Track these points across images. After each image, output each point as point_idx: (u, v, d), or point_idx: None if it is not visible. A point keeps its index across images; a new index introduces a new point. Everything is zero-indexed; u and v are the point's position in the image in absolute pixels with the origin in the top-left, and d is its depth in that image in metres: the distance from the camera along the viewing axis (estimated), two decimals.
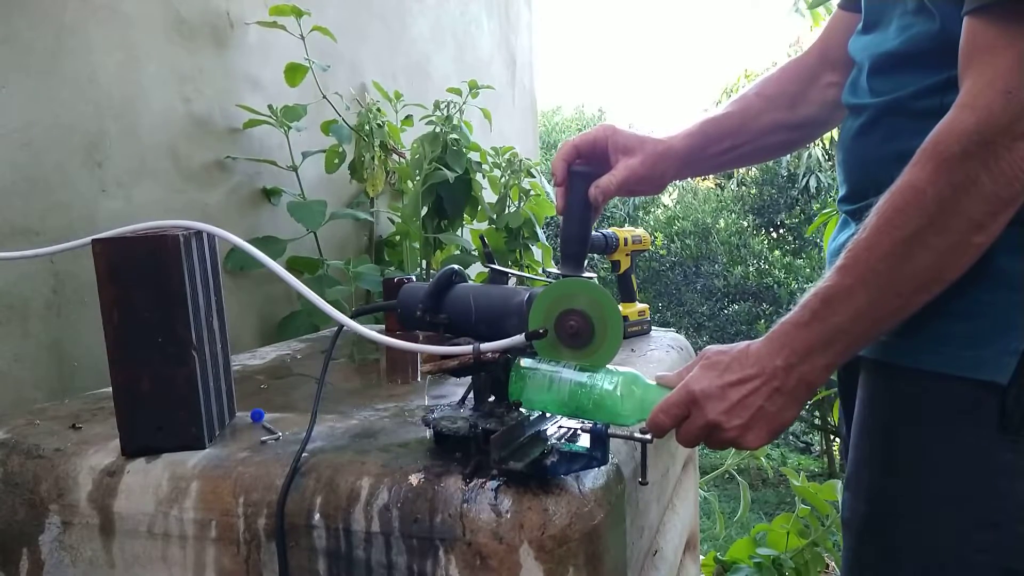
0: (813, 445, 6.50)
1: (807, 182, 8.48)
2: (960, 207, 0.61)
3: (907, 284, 0.63)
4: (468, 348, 0.73)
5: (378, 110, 2.15)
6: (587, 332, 0.72)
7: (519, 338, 0.73)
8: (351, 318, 0.81)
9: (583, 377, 0.72)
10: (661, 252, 8.34)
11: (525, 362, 0.74)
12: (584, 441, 0.72)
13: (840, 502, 0.81)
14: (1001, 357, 0.65)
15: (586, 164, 0.83)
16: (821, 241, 5.87)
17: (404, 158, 2.19)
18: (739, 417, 0.67)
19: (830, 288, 0.65)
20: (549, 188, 2.34)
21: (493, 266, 0.83)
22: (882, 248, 0.63)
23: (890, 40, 0.72)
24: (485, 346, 0.73)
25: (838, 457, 5.75)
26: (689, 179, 10.55)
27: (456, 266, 0.82)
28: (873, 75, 0.75)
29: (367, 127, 2.07)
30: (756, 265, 7.87)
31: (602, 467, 0.72)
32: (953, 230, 0.61)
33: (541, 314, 0.73)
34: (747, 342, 0.70)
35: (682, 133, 0.88)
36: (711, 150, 0.89)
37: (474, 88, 2.18)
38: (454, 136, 2.07)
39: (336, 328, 0.82)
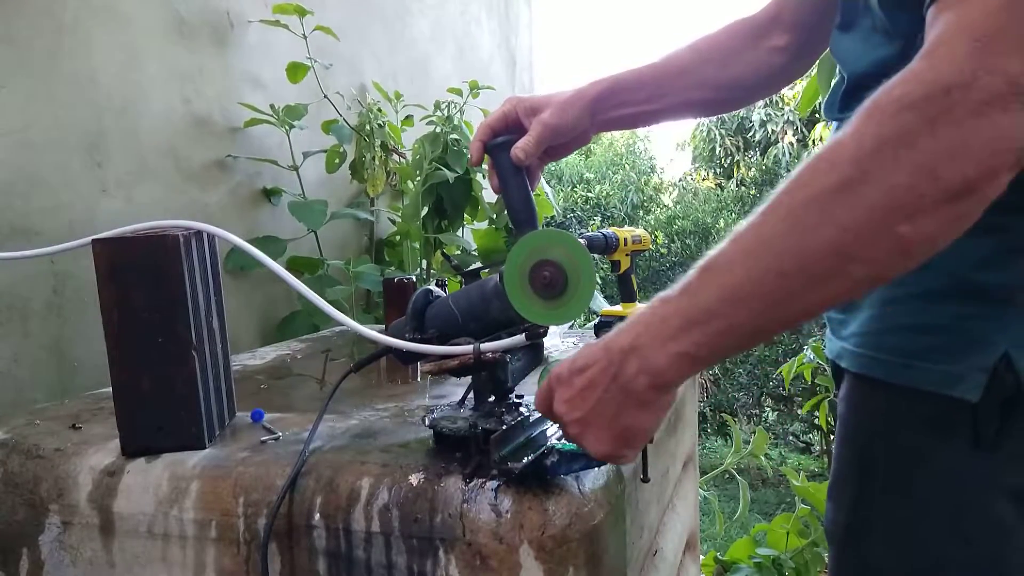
0: (813, 445, 6.50)
1: None
2: (882, 170, 0.45)
3: (794, 264, 0.48)
4: (468, 348, 0.73)
5: (379, 110, 2.15)
6: (560, 282, 0.71)
7: (519, 338, 0.73)
8: (351, 372, 0.84)
9: None
10: (661, 252, 8.35)
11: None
12: None
13: (825, 511, 0.79)
14: (972, 374, 0.60)
15: (504, 137, 0.83)
16: None
17: (404, 158, 2.19)
18: (578, 410, 0.58)
19: (713, 257, 0.52)
20: (548, 188, 2.34)
21: (464, 270, 0.83)
22: (777, 212, 0.49)
23: (861, 59, 0.70)
24: (486, 346, 0.73)
25: None
26: (690, 182, 10.54)
27: (428, 287, 0.83)
28: (847, 95, 0.73)
29: (368, 127, 2.07)
30: None
31: (602, 467, 0.72)
32: (867, 201, 0.46)
33: (517, 265, 0.72)
34: None
35: (593, 81, 0.86)
36: (626, 97, 0.86)
37: (474, 88, 2.19)
38: (454, 136, 2.07)
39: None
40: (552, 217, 2.41)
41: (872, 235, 0.46)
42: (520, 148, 0.80)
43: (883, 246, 0.46)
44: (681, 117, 0.93)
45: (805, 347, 2.53)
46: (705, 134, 10.05)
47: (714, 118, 9.29)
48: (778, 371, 2.94)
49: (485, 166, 0.86)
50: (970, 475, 0.62)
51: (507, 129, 0.84)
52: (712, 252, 0.52)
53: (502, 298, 0.73)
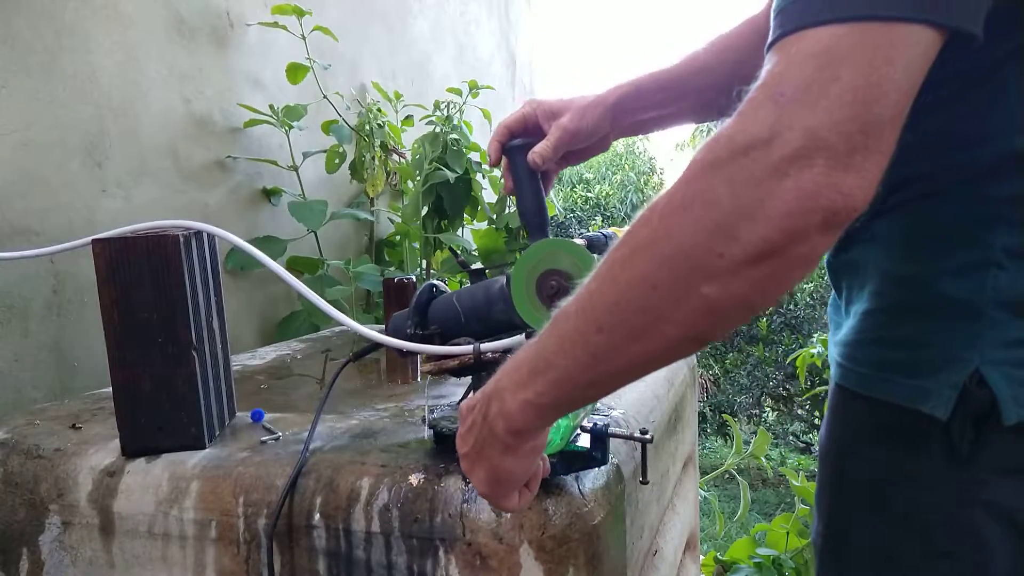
0: (813, 445, 6.50)
1: None
2: (683, 228, 0.44)
3: (610, 319, 0.48)
4: (468, 348, 0.73)
5: (378, 110, 2.15)
6: (567, 293, 0.71)
7: (519, 338, 0.73)
8: (349, 361, 0.85)
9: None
10: None
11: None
12: (584, 441, 0.72)
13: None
14: (942, 390, 0.59)
15: (521, 139, 0.83)
16: None
17: (404, 158, 2.19)
18: (465, 446, 0.58)
19: (563, 306, 0.52)
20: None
21: (470, 268, 0.83)
22: (604, 266, 0.49)
23: None
24: (486, 346, 0.73)
25: None
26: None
27: (432, 281, 0.83)
28: None
29: (367, 127, 2.07)
30: None
31: (602, 467, 0.72)
32: (669, 259, 0.45)
33: (525, 272, 0.72)
34: None
35: (614, 86, 0.84)
36: (647, 101, 0.84)
37: (474, 88, 2.19)
38: (454, 136, 2.07)
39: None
40: (553, 217, 2.42)
41: (678, 294, 0.45)
42: (537, 152, 0.80)
43: (690, 306, 0.45)
44: (700, 120, 0.91)
45: (813, 339, 2.52)
46: (705, 135, 10.06)
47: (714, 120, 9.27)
48: (789, 359, 2.93)
49: (495, 170, 0.85)
50: (946, 490, 0.61)
51: (525, 131, 0.83)
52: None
53: (507, 301, 0.73)
